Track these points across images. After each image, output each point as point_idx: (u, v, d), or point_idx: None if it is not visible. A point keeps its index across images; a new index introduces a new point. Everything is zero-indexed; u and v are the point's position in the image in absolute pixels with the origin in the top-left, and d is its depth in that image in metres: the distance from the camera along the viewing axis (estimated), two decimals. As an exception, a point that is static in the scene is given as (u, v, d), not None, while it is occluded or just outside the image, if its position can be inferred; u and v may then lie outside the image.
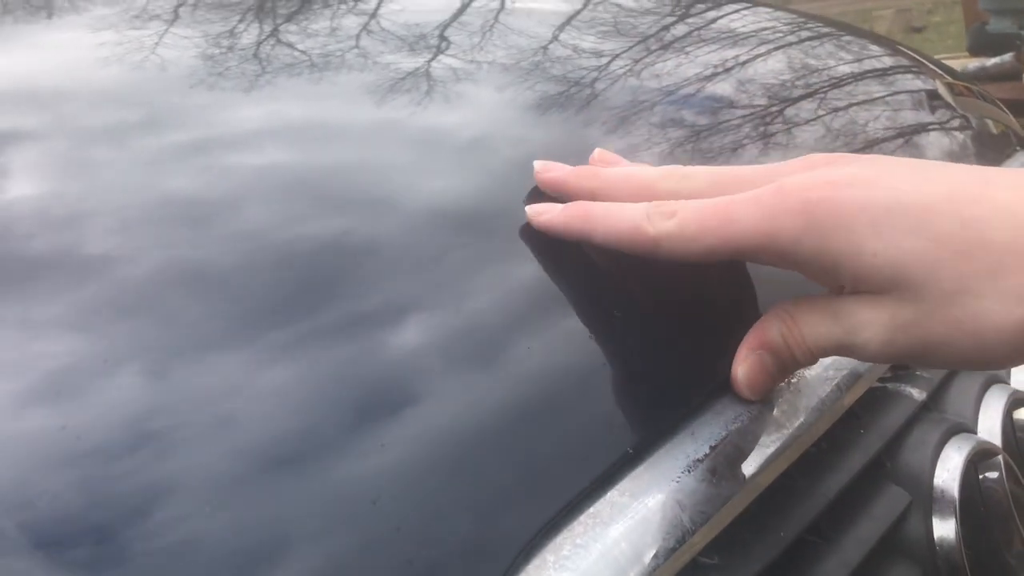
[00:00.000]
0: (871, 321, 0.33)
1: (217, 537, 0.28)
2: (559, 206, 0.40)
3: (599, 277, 0.41)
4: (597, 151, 0.45)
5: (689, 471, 0.35)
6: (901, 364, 0.47)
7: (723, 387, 0.38)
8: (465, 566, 0.30)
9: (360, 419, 0.33)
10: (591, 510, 0.33)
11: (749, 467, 0.37)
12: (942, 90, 0.75)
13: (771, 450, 0.37)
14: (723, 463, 0.36)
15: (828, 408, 0.40)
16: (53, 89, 0.60)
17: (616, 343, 0.38)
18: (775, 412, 0.39)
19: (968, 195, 0.32)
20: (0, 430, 0.31)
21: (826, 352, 0.35)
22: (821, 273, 0.35)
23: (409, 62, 0.65)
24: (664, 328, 0.40)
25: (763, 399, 0.38)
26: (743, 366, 0.36)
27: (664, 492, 0.34)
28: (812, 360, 0.36)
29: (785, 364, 0.36)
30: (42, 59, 0.67)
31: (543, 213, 0.40)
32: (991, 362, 0.32)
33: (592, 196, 0.40)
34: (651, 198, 0.37)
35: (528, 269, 0.40)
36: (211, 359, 0.34)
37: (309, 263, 0.39)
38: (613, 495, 0.33)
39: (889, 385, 0.47)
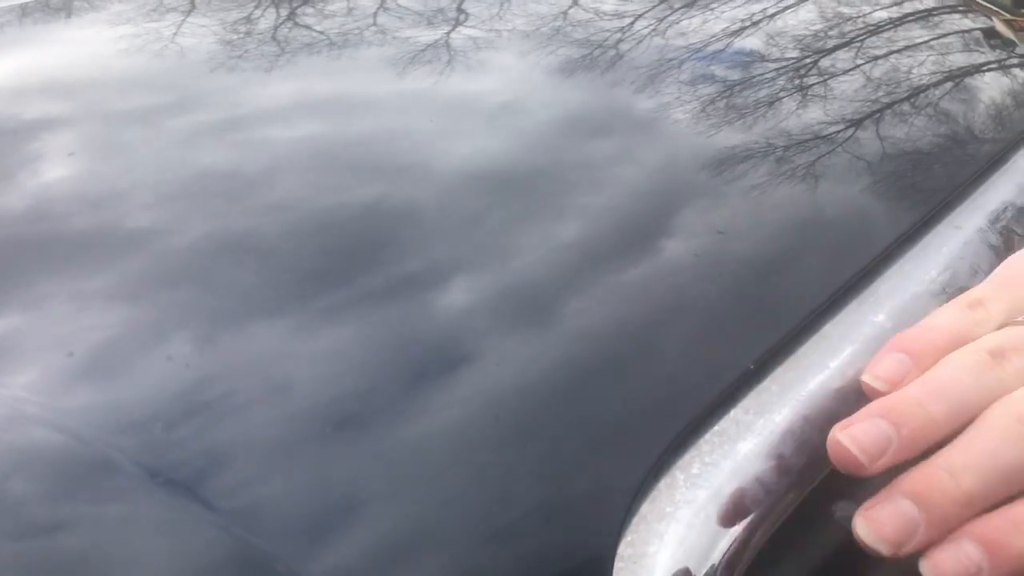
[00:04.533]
0: None
1: (279, 500, 0.26)
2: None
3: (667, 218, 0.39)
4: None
5: (815, 387, 0.32)
6: None
7: (844, 297, 0.35)
8: (594, 491, 0.27)
9: (460, 369, 0.30)
10: (716, 428, 0.30)
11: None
12: (999, 27, 0.72)
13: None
14: (848, 379, 0.33)
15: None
16: (79, 80, 0.59)
17: (709, 267, 0.36)
18: (895, 330, 0.36)
19: None
20: (47, 404, 0.29)
21: None
22: None
23: (429, 35, 0.63)
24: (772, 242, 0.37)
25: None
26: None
27: (791, 408, 0.31)
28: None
29: None
30: (65, 53, 0.66)
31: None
32: None
33: None
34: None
35: (578, 226, 0.38)
36: (267, 326, 0.32)
37: (351, 229, 0.38)
38: (737, 413, 0.31)
39: None
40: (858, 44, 0.71)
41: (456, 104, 0.52)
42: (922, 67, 0.69)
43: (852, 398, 0.33)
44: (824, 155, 0.45)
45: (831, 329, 0.35)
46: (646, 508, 0.27)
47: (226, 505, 0.25)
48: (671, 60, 0.59)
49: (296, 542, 0.24)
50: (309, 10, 0.74)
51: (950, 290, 0.39)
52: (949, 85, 0.68)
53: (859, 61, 0.66)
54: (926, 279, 0.40)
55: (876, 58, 0.68)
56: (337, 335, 0.31)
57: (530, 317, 0.32)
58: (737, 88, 0.58)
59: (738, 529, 0.28)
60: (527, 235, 0.36)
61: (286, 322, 0.32)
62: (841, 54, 0.67)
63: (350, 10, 0.72)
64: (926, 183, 0.48)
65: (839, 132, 0.52)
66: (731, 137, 0.47)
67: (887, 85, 0.63)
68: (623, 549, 0.26)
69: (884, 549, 0.27)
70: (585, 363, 0.30)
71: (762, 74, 0.61)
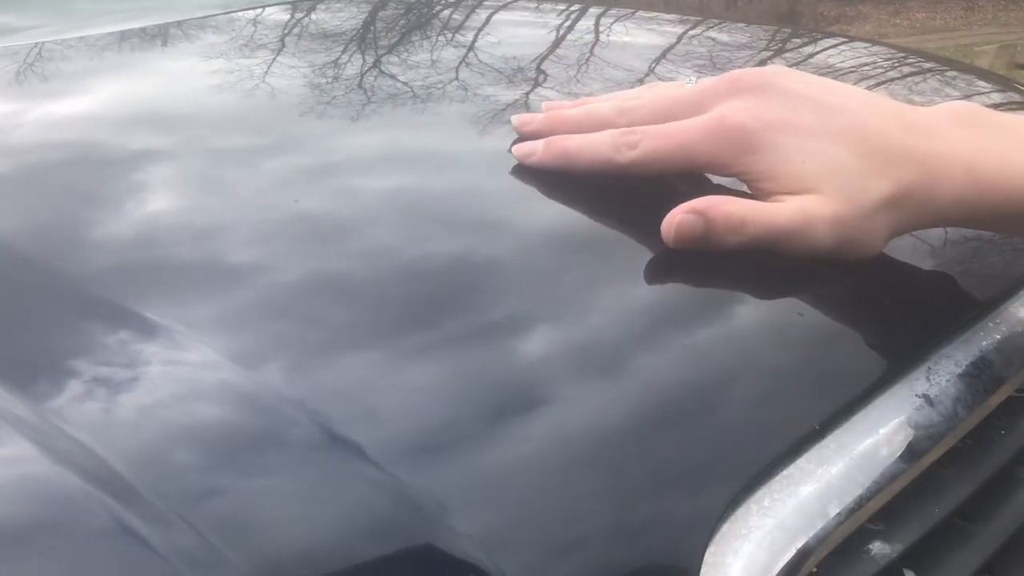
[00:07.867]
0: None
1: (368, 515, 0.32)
2: (540, 144, 0.51)
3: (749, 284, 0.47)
4: (545, 104, 0.57)
5: (865, 448, 0.41)
6: None
7: (894, 376, 0.43)
8: (691, 512, 0.36)
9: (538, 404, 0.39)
10: (784, 472, 0.39)
11: (914, 450, 0.42)
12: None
13: (931, 436, 0.43)
14: (892, 445, 0.41)
15: (978, 404, 0.45)
16: (176, 114, 0.64)
17: (801, 335, 0.44)
18: (935, 407, 0.44)
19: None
20: (141, 432, 0.34)
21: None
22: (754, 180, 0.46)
23: (508, 94, 0.67)
24: (844, 320, 0.46)
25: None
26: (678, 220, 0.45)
27: (845, 463, 0.40)
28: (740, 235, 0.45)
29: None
30: (161, 84, 0.72)
31: (530, 155, 0.52)
32: None
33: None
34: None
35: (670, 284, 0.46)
36: (355, 360, 0.39)
37: (438, 277, 0.44)
38: (802, 462, 0.39)
39: (1026, 395, 0.51)
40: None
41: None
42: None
43: (894, 456, 0.42)
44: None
45: (883, 401, 0.43)
46: (726, 528, 0.36)
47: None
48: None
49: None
50: (393, 59, 0.78)
51: (985, 376, 0.47)
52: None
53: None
54: (966, 363, 0.48)
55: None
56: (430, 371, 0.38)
57: (651, 379, 0.41)
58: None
59: (795, 552, 0.36)
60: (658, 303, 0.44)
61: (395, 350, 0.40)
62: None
63: (433, 63, 0.77)
64: (981, 277, 0.55)
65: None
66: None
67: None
68: (708, 557, 0.35)
69: None
70: (695, 416, 0.39)
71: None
